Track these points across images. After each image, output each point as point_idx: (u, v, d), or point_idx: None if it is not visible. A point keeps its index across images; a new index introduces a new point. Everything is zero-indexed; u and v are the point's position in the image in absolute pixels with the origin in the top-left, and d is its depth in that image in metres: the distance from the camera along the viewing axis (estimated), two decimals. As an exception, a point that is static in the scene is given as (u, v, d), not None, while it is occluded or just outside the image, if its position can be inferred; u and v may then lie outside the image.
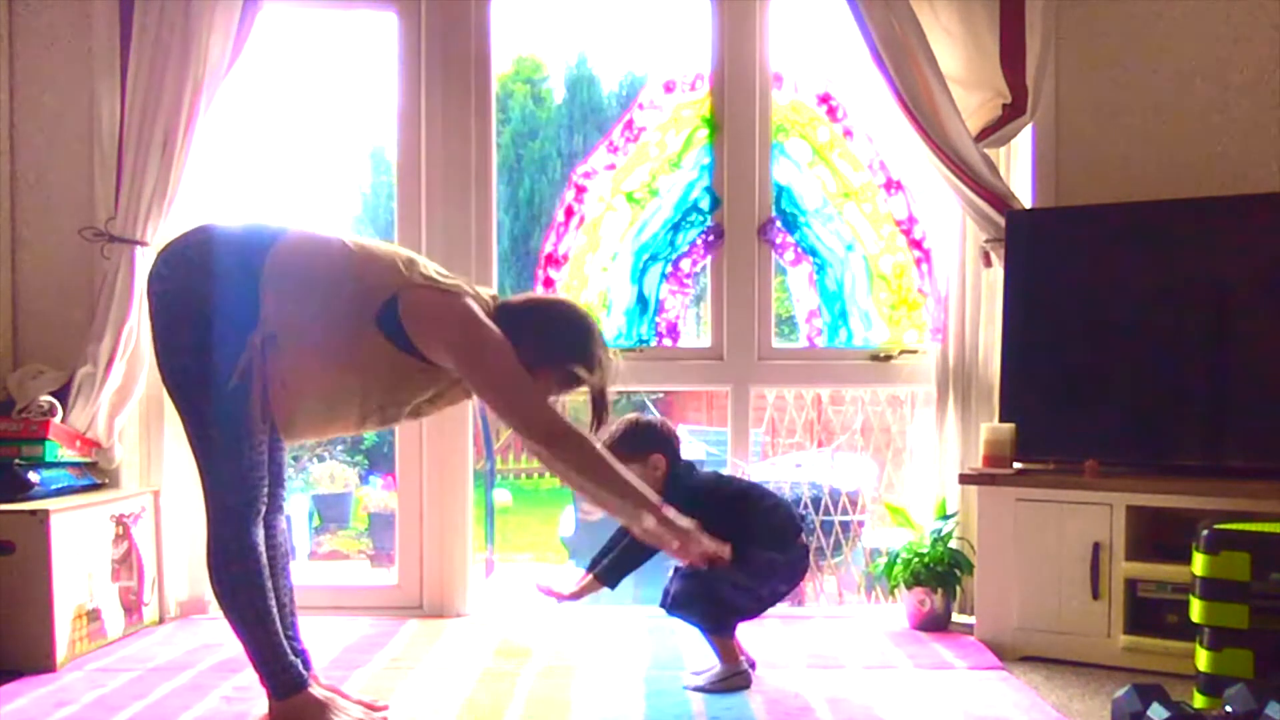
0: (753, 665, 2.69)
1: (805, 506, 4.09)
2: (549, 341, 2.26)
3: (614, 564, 2.69)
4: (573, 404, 2.45)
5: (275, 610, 2.24)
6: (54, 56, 3.29)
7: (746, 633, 2.78)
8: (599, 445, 2.22)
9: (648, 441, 2.65)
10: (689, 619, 2.60)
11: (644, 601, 3.63)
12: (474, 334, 2.16)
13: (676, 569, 2.60)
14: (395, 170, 3.52)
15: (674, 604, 2.59)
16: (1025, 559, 2.90)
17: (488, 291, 2.34)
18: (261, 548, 2.22)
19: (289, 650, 2.26)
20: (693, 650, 2.83)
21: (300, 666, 2.27)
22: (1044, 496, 2.90)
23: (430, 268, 2.25)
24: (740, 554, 2.44)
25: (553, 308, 2.39)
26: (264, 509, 2.23)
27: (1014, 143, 3.32)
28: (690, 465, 2.73)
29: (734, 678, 2.57)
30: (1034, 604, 2.90)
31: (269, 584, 2.23)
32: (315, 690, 2.27)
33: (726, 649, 2.60)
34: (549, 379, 2.27)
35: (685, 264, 3.52)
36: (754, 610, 2.63)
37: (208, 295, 2.14)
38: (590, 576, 2.73)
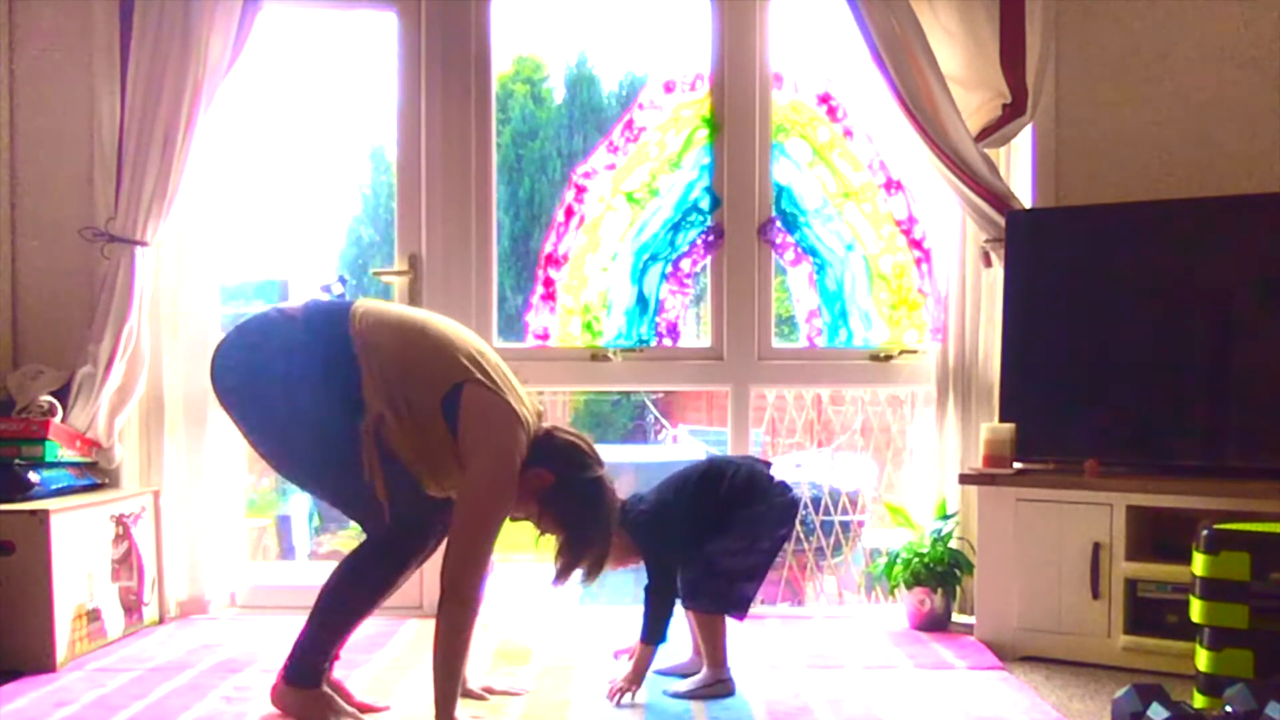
0: (730, 685, 2.57)
1: (805, 506, 4.09)
2: (570, 504, 2.31)
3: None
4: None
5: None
6: (54, 56, 3.29)
7: (748, 630, 2.78)
8: (466, 635, 2.25)
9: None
10: (703, 606, 2.55)
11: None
12: (501, 461, 2.22)
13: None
14: (395, 170, 3.52)
15: (685, 596, 2.56)
16: (1025, 559, 2.90)
17: (535, 410, 2.36)
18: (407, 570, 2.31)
19: (332, 652, 2.34)
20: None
21: (327, 666, 2.34)
22: (1044, 496, 2.90)
23: (494, 370, 2.29)
24: (724, 524, 2.51)
25: (582, 468, 2.34)
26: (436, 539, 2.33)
27: (1014, 143, 3.32)
28: (635, 502, 2.60)
29: (718, 685, 2.54)
30: (1034, 604, 2.89)
31: (381, 600, 2.32)
32: (324, 687, 2.33)
33: (715, 654, 2.56)
34: (542, 515, 2.33)
35: (685, 264, 3.52)
36: (762, 565, 2.58)
37: (293, 365, 2.21)
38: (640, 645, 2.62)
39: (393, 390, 2.21)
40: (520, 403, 2.31)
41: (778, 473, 2.64)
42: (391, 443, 2.22)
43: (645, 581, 2.58)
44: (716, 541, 2.53)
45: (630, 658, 2.63)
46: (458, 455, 2.23)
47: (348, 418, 2.20)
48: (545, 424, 2.39)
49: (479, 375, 2.24)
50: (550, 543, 2.39)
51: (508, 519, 2.36)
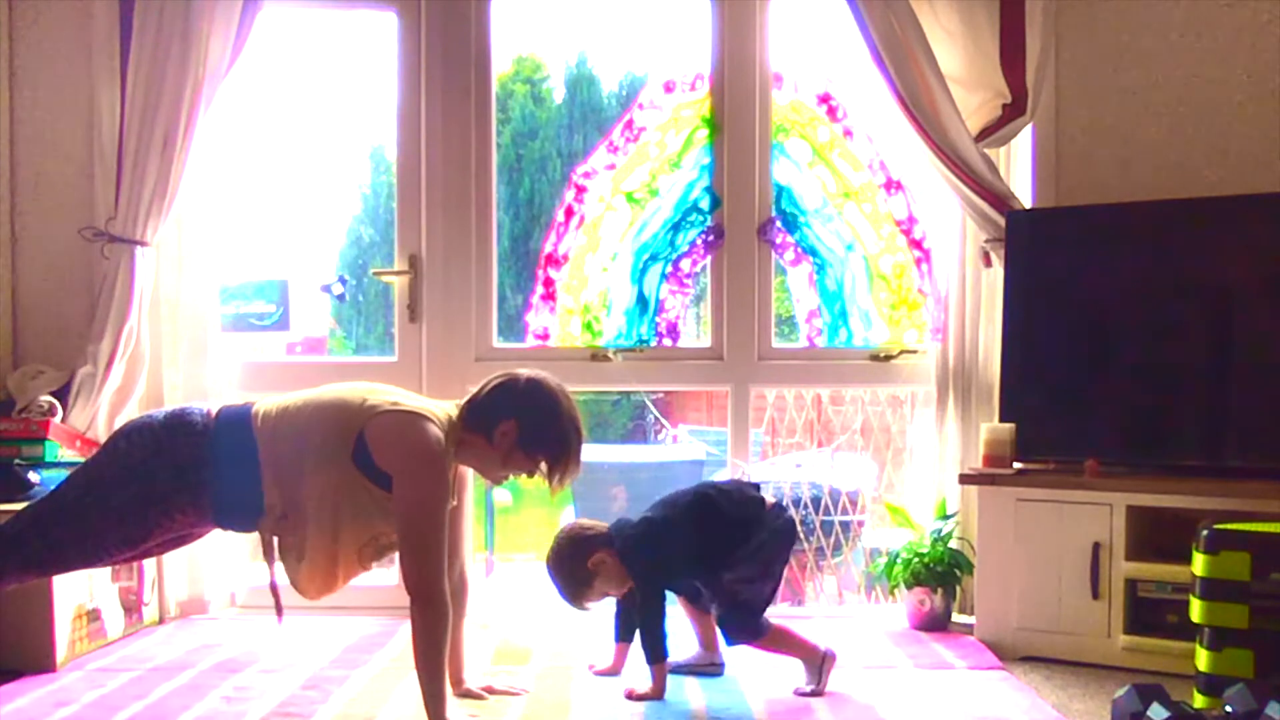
0: (832, 656, 2.60)
1: (805, 506, 4.09)
2: (542, 422, 2.29)
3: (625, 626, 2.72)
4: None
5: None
6: (54, 56, 3.29)
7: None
8: (441, 633, 2.21)
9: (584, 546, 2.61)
10: (744, 640, 2.57)
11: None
12: (418, 459, 2.19)
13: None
14: (395, 170, 3.52)
15: (729, 636, 2.59)
16: (1025, 559, 2.90)
17: (446, 408, 2.32)
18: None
19: None
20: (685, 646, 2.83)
21: None
22: (1044, 496, 2.90)
23: (391, 394, 2.28)
24: (733, 558, 2.53)
25: (523, 395, 2.31)
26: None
27: (1014, 143, 3.32)
28: (625, 530, 2.62)
29: (710, 666, 2.70)
30: (1034, 604, 2.90)
31: None
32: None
33: (710, 640, 2.70)
34: (527, 462, 2.31)
35: (685, 264, 3.52)
36: (774, 588, 2.63)
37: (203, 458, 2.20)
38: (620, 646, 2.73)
39: (303, 490, 2.19)
40: (424, 407, 2.28)
41: (769, 495, 2.67)
42: (301, 539, 2.23)
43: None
44: (733, 572, 2.54)
45: (606, 673, 2.72)
46: (388, 498, 2.21)
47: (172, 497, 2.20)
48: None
49: (371, 409, 2.22)
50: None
51: (521, 478, 2.36)
